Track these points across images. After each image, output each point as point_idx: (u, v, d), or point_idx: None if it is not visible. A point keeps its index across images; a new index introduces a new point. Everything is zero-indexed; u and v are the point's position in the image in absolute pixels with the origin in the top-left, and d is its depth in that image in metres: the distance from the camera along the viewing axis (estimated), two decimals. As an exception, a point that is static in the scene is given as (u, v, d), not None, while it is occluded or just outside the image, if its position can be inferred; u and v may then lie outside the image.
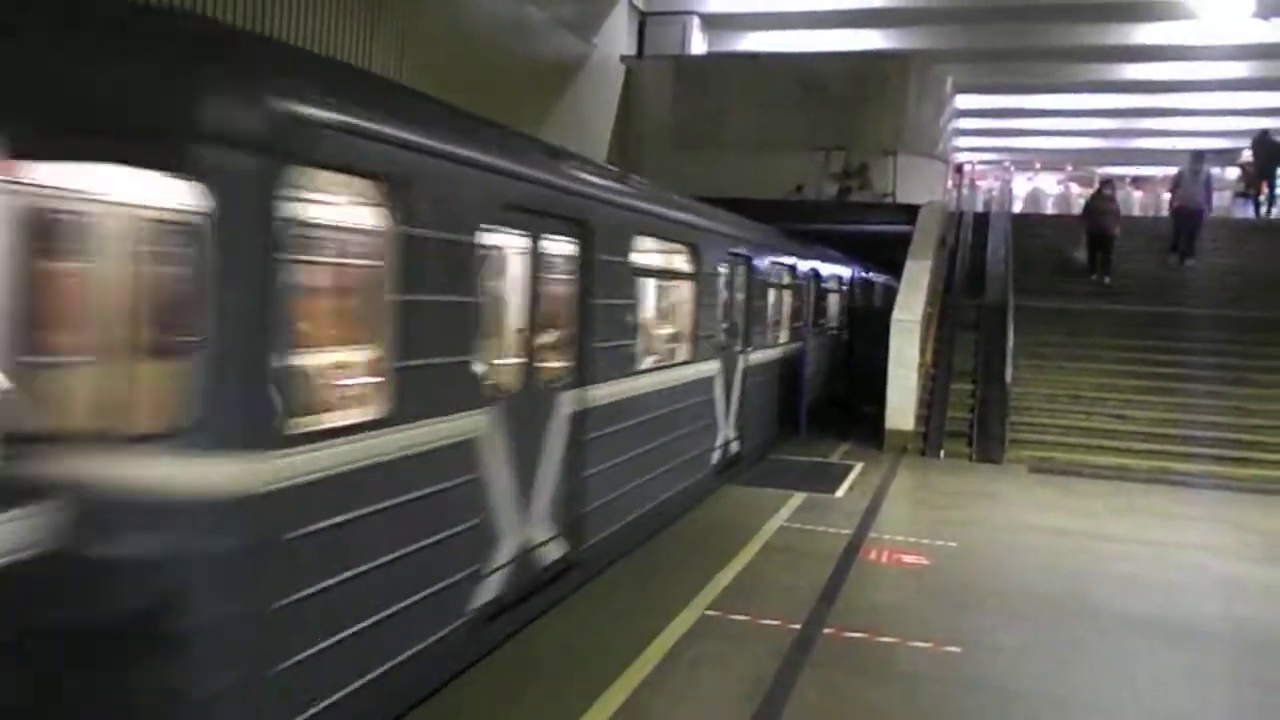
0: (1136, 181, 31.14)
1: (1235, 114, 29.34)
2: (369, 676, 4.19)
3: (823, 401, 14.72)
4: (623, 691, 4.93)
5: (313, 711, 3.87)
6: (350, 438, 4.05)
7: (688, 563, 7.25)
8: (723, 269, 9.92)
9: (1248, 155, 20.83)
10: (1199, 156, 17.78)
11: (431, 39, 13.67)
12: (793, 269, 13.51)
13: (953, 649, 5.76)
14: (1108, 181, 18.27)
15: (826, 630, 5.99)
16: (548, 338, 6.13)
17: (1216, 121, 30.48)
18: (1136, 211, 27.70)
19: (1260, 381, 13.08)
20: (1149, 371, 13.57)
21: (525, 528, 5.66)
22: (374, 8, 12.21)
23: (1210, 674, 5.73)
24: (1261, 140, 19.23)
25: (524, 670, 5.20)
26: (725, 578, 6.93)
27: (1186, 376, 13.28)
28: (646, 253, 7.86)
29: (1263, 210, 19.62)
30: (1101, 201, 16.99)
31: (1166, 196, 18.52)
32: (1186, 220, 16.87)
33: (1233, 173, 27.82)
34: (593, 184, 6.61)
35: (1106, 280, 16.29)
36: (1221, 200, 28.01)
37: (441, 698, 4.76)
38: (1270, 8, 18.66)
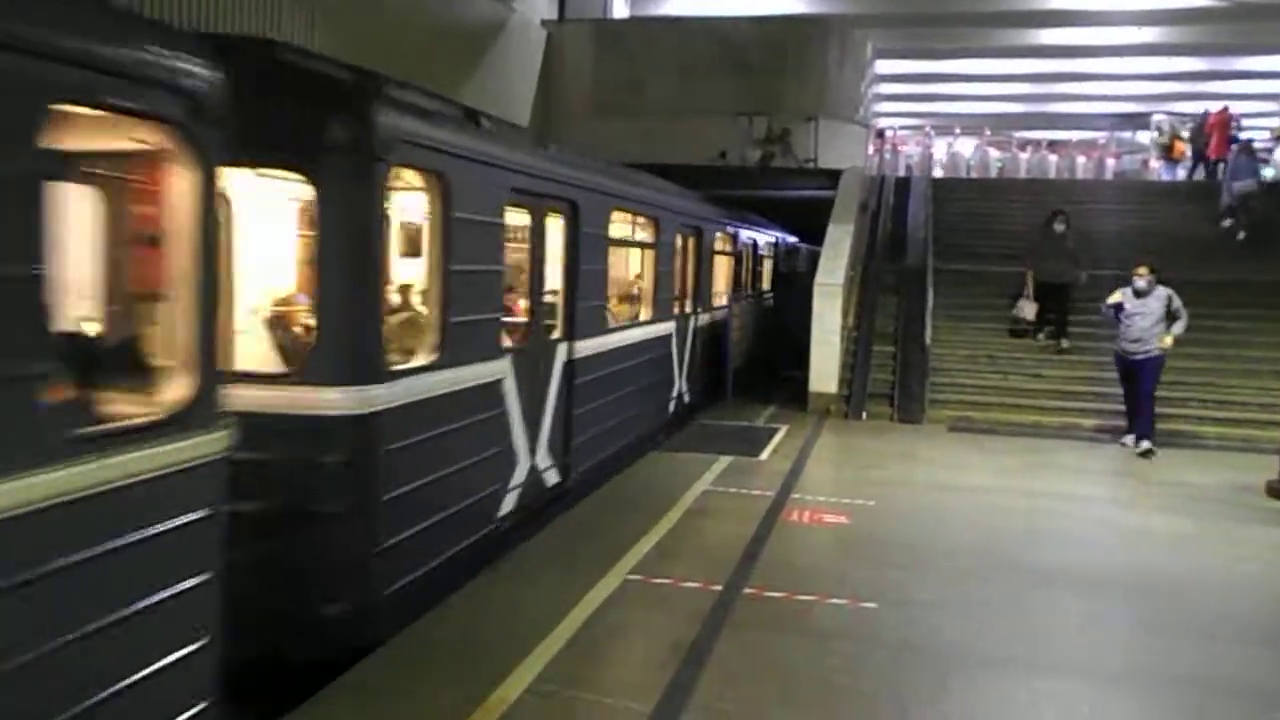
0: (1053, 145, 31.81)
1: (1146, 79, 30.12)
2: (442, 557, 5.64)
3: (747, 366, 14.85)
4: (542, 659, 4.91)
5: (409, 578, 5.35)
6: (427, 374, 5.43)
7: (612, 529, 7.25)
8: (679, 239, 11.05)
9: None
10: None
11: (345, 2, 13.26)
12: (734, 237, 14.09)
13: (869, 605, 5.87)
14: (1059, 212, 13.68)
15: (747, 591, 6.06)
16: (547, 299, 7.34)
17: (1128, 86, 31.26)
18: (1052, 175, 28.35)
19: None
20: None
21: (533, 456, 7.01)
22: (282, -32, 11.76)
23: (1115, 623, 5.94)
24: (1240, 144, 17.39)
25: (444, 639, 5.15)
26: (648, 543, 6.95)
27: (1096, 335, 13.69)
28: (618, 225, 9.12)
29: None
30: (1051, 240, 13.18)
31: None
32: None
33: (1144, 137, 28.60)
34: (578, 168, 7.84)
35: (1064, 344, 13.20)
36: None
37: (359, 667, 4.70)
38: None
